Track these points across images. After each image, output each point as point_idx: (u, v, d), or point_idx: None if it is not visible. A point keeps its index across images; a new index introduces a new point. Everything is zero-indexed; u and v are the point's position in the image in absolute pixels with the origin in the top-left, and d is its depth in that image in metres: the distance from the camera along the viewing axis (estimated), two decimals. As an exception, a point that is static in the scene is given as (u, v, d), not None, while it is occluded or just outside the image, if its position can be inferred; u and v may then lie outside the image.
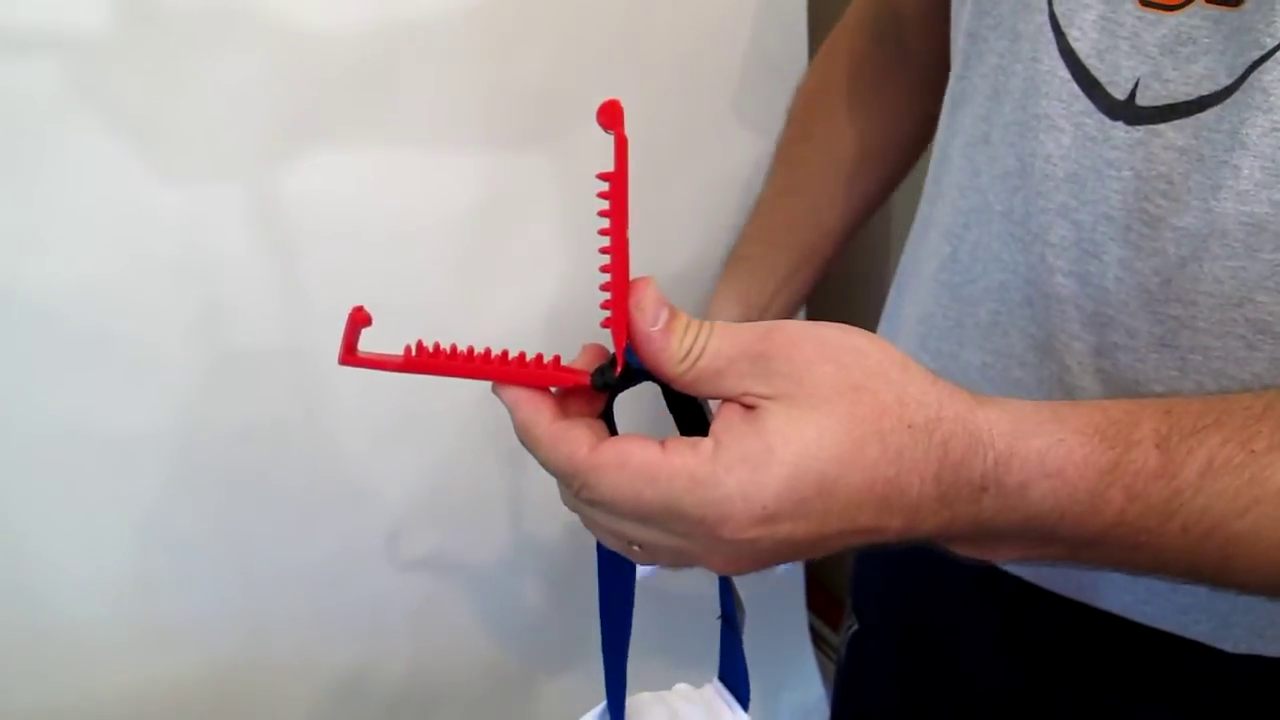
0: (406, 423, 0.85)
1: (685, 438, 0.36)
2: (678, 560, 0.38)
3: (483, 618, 0.96)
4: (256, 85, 0.71)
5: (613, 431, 0.39)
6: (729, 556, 0.36)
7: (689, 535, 0.36)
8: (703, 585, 0.43)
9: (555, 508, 0.40)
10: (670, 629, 0.86)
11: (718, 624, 0.48)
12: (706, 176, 0.92)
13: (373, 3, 0.73)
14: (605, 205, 0.36)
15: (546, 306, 0.87)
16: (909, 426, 0.35)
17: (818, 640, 1.26)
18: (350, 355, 0.37)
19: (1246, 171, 0.43)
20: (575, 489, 0.37)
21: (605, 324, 0.37)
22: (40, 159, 0.67)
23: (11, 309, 0.69)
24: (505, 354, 0.37)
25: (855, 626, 0.75)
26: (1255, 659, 0.52)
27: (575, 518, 0.40)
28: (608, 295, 0.37)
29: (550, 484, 0.39)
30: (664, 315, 0.37)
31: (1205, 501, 0.36)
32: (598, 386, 0.38)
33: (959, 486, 0.36)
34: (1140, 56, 0.45)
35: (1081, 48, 0.47)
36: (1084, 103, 0.48)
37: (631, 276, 0.37)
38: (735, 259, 0.74)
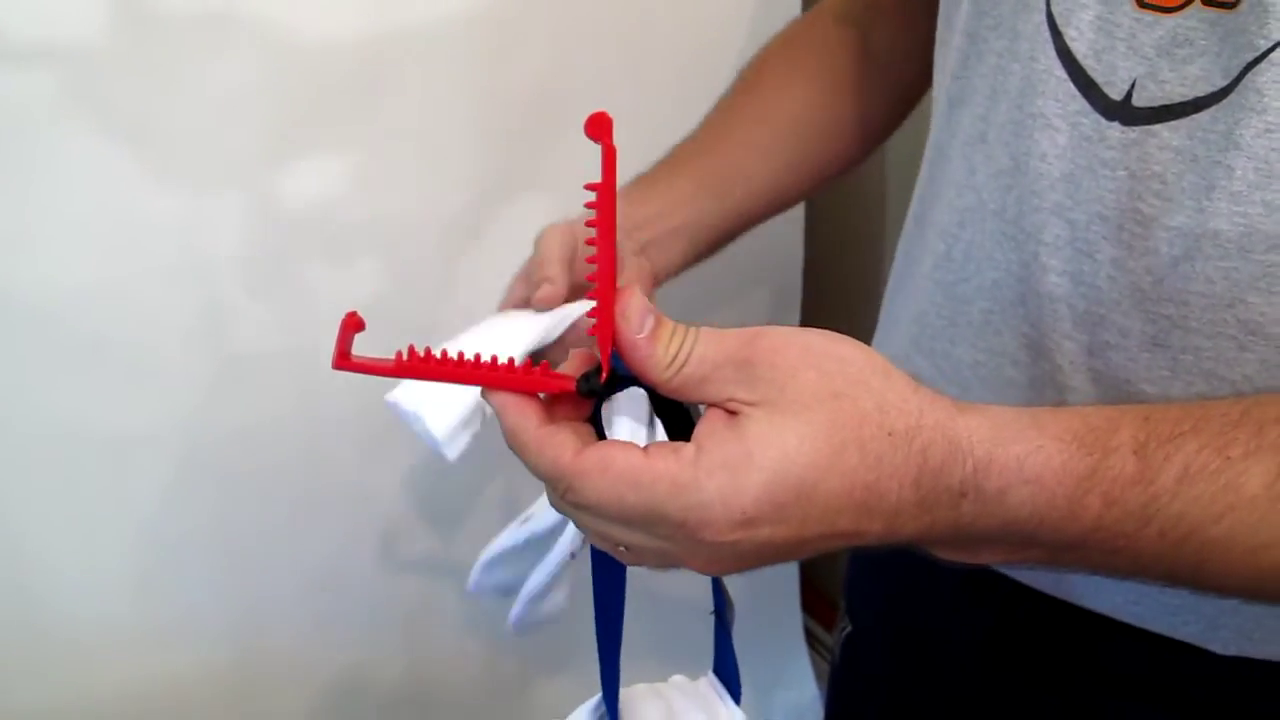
0: (403, 425, 0.85)
1: (668, 443, 0.37)
2: (662, 561, 0.38)
3: (479, 618, 0.96)
4: (252, 90, 0.72)
5: (600, 435, 0.39)
6: (710, 558, 0.37)
7: (671, 538, 0.36)
8: (697, 584, 0.44)
9: (550, 509, 0.41)
10: (665, 626, 0.86)
11: (711, 621, 0.48)
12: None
13: (368, 7, 0.74)
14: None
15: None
16: (889, 434, 0.36)
17: (812, 641, 1.27)
18: (344, 360, 0.37)
19: (1240, 173, 0.43)
20: (561, 492, 0.37)
21: (592, 331, 0.38)
22: (38, 163, 0.67)
23: (10, 312, 0.70)
24: (495, 359, 0.38)
25: (849, 628, 0.75)
26: (1244, 661, 0.52)
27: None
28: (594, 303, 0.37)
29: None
30: (650, 322, 0.37)
31: (1181, 507, 0.36)
32: (583, 392, 0.38)
33: (938, 492, 0.36)
34: (1137, 57, 0.45)
35: (1078, 48, 0.47)
36: (1080, 103, 0.48)
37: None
38: (636, 178, 0.69)
